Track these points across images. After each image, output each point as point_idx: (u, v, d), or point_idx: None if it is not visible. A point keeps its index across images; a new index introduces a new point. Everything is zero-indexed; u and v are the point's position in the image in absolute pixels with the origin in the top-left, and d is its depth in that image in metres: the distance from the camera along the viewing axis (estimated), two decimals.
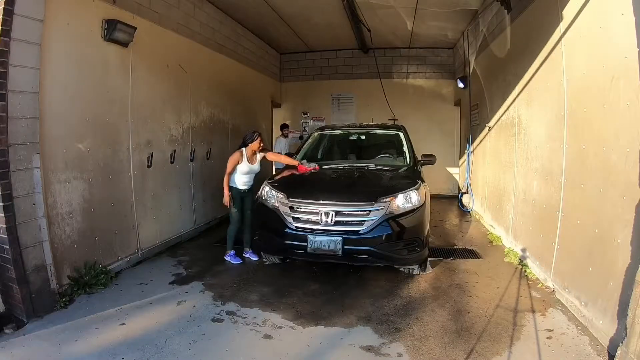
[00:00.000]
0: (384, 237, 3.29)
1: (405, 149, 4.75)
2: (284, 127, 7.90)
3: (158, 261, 4.24)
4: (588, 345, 2.49)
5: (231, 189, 4.13)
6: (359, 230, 3.31)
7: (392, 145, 5.01)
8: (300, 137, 8.60)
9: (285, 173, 4.32)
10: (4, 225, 2.66)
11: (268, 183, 3.87)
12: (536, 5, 3.83)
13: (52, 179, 3.12)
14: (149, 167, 4.34)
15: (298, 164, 4.30)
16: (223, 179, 4.13)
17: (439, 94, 8.65)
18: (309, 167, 4.23)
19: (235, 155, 4.08)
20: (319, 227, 3.36)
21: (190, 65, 5.09)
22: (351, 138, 5.35)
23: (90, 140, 3.50)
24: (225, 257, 4.25)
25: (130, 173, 4.04)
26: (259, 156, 4.23)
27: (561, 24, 3.25)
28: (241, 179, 4.13)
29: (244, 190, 4.18)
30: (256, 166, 4.21)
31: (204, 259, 4.31)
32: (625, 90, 2.37)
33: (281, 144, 7.68)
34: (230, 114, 6.40)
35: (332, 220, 3.33)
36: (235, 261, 4.19)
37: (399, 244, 3.37)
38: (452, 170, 8.63)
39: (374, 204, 3.36)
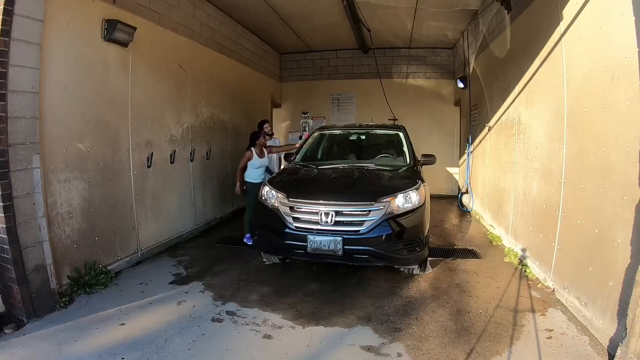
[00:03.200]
0: (383, 237, 3.28)
1: (405, 149, 4.75)
2: (262, 123, 5.49)
3: (158, 261, 4.24)
4: (588, 345, 2.49)
5: (248, 183, 4.64)
6: (358, 230, 3.31)
7: (392, 145, 5.01)
8: (300, 137, 8.59)
9: (286, 172, 4.33)
10: (4, 225, 2.66)
11: (268, 183, 3.87)
12: (536, 5, 3.83)
13: (52, 179, 3.12)
14: (149, 167, 4.34)
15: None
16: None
17: (439, 94, 8.65)
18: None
19: (247, 154, 4.67)
20: (318, 227, 3.35)
21: (190, 65, 5.09)
22: (351, 138, 5.35)
23: (90, 140, 3.50)
24: (244, 240, 4.76)
25: (130, 173, 4.04)
26: (266, 150, 4.88)
27: (561, 23, 3.25)
28: (255, 173, 4.68)
29: (259, 183, 4.55)
30: (265, 160, 4.83)
31: (204, 259, 4.31)
32: (625, 90, 2.37)
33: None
34: (230, 114, 6.40)
35: (332, 220, 3.33)
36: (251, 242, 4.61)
37: (399, 244, 3.37)
38: (452, 170, 8.63)
39: (373, 204, 3.36)
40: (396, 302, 3.23)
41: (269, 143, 5.93)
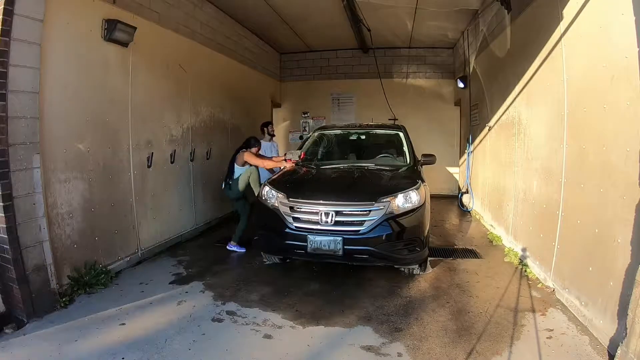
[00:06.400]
0: (384, 237, 3.28)
1: (405, 148, 4.75)
2: (266, 125, 5.96)
3: (158, 261, 4.24)
4: (588, 345, 2.49)
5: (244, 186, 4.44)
6: (359, 230, 3.31)
7: (392, 145, 5.01)
8: (301, 137, 8.60)
9: (286, 173, 4.33)
10: (4, 225, 2.66)
11: (268, 183, 3.87)
12: (536, 5, 3.83)
13: (52, 178, 3.12)
14: (149, 167, 4.34)
15: (285, 159, 4.49)
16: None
17: (439, 94, 8.65)
18: (292, 158, 4.47)
19: (250, 155, 4.46)
20: (319, 227, 3.35)
21: (190, 65, 5.09)
22: (351, 138, 5.35)
23: (90, 140, 3.50)
24: (227, 247, 4.58)
25: (130, 173, 4.04)
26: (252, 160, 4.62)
27: (561, 23, 3.25)
28: (245, 176, 4.49)
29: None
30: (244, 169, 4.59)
31: (204, 258, 4.32)
32: (625, 90, 2.37)
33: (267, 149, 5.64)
34: (230, 114, 6.40)
35: (332, 220, 3.33)
36: (240, 250, 4.52)
37: (399, 244, 3.37)
38: (452, 170, 8.63)
39: (374, 204, 3.36)
40: (396, 302, 3.23)
41: (265, 144, 5.92)
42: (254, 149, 4.61)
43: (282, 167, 4.46)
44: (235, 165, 4.48)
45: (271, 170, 4.87)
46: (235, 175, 4.46)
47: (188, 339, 2.64)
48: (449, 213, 6.86)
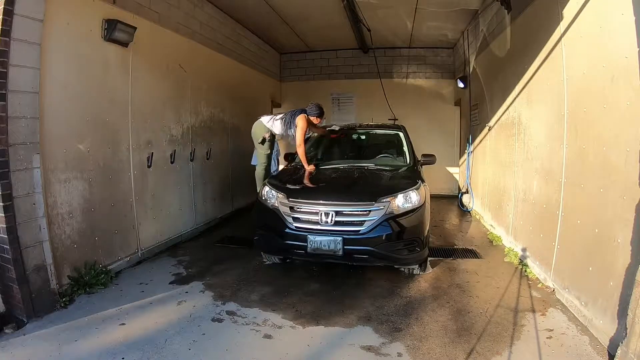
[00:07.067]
0: (384, 237, 3.28)
1: (405, 148, 4.76)
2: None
3: (158, 261, 4.24)
4: (588, 345, 2.49)
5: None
6: (359, 230, 3.31)
7: (392, 145, 5.02)
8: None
9: (286, 173, 4.33)
10: (4, 225, 2.66)
11: (268, 183, 3.87)
12: (536, 4, 3.83)
13: (52, 179, 3.12)
14: (149, 167, 4.34)
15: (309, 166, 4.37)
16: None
17: (439, 94, 8.64)
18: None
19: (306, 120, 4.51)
20: (319, 227, 3.35)
21: (190, 65, 5.09)
22: (351, 138, 5.35)
23: (90, 140, 3.50)
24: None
25: (130, 173, 4.04)
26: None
27: (561, 23, 3.25)
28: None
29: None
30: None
31: (204, 259, 4.31)
32: (625, 90, 2.37)
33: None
34: (230, 113, 6.40)
35: (332, 220, 3.33)
36: None
37: (399, 244, 3.37)
38: (452, 170, 8.62)
39: (374, 204, 3.36)
40: (396, 302, 3.23)
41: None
42: (314, 118, 4.56)
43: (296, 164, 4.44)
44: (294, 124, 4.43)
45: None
46: (281, 132, 4.54)
47: (188, 339, 2.64)
48: (449, 213, 6.85)
